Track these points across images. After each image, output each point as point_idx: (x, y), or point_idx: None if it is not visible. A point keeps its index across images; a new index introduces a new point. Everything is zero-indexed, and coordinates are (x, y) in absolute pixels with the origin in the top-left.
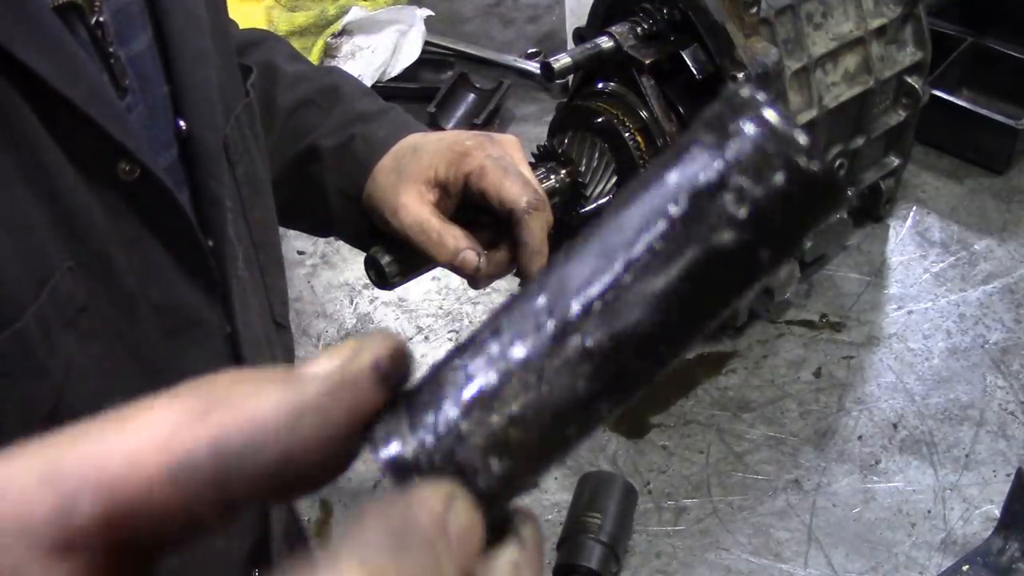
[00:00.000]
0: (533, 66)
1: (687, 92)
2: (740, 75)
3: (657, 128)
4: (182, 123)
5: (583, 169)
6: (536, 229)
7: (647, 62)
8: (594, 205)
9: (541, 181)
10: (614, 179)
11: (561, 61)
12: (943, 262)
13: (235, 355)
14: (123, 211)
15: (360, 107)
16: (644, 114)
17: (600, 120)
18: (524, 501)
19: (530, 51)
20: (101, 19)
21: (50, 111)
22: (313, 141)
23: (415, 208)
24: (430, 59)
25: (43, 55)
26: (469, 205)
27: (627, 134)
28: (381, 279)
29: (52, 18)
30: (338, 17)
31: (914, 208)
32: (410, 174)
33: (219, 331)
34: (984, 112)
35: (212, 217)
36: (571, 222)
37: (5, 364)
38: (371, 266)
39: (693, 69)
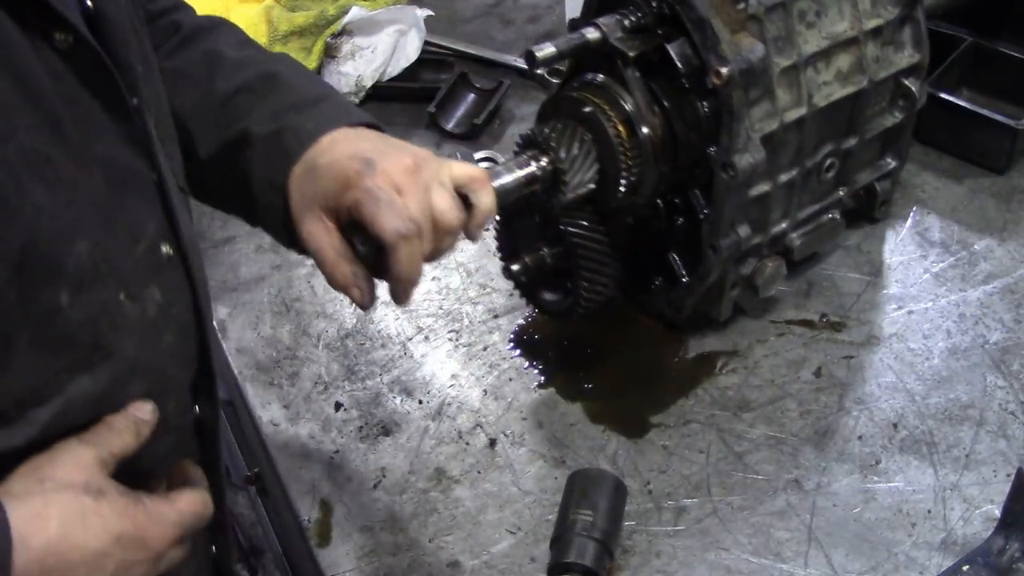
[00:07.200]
0: None
1: (673, 86)
2: (724, 70)
3: (640, 120)
4: (89, 2)
5: (563, 157)
6: (404, 258)
7: (632, 54)
8: (573, 195)
9: (522, 168)
10: (595, 168)
11: (545, 50)
12: (943, 262)
13: (164, 202)
14: (63, 74)
15: (296, 95)
16: (628, 106)
17: (584, 110)
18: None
19: None
20: None
21: None
22: (245, 126)
23: (316, 238)
24: (430, 59)
25: None
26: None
27: (609, 125)
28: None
29: None
30: (338, 17)
31: (914, 208)
32: (308, 197)
33: (149, 179)
34: (984, 112)
35: (129, 80)
36: (551, 211)
37: None
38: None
39: (677, 63)
